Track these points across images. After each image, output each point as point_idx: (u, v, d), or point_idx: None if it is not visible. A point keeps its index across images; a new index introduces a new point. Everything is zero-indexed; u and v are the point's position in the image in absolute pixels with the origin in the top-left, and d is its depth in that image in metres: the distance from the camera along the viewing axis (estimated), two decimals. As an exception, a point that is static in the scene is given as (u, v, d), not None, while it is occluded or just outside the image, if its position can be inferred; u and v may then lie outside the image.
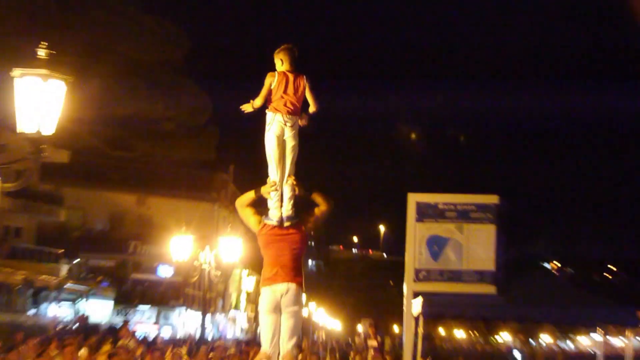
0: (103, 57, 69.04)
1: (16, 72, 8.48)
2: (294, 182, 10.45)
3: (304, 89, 10.51)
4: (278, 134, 10.29)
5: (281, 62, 10.53)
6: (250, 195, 10.46)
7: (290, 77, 10.41)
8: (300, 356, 22.45)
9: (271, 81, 10.32)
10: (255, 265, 75.22)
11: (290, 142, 10.42)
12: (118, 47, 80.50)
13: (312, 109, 10.69)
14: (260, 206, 10.72)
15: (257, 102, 10.24)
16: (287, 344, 10.52)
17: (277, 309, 10.13)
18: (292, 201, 10.51)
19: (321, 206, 10.75)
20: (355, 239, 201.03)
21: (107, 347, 20.28)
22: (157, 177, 76.78)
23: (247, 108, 10.30)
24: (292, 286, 10.55)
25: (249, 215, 10.45)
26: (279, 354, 10.44)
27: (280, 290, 10.21)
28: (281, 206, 10.32)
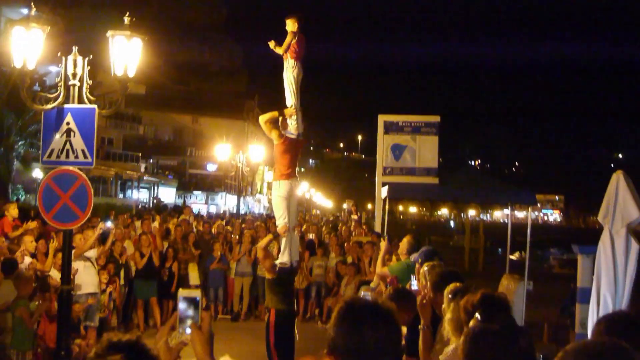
0: (168, 22, 68.69)
1: (109, 33, 8.46)
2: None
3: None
4: (295, 74, 10.32)
5: (292, 23, 10.47)
6: (273, 114, 10.40)
7: (301, 37, 10.37)
8: (304, 225, 22.64)
9: (292, 39, 10.28)
10: (272, 162, 75.48)
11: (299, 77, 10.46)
12: (178, 15, 79.96)
13: None
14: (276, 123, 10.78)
15: (280, 50, 10.19)
16: (294, 221, 10.65)
17: (288, 196, 10.17)
18: (304, 122, 10.57)
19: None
20: (341, 144, 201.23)
21: (174, 220, 20.39)
22: (205, 104, 76.70)
23: (272, 45, 10.29)
24: (299, 181, 10.84)
25: (270, 129, 10.39)
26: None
27: (293, 183, 10.24)
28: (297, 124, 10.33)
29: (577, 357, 2.47)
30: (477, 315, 4.03)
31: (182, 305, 2.67)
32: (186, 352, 2.69)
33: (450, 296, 5.13)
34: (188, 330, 2.64)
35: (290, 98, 10.48)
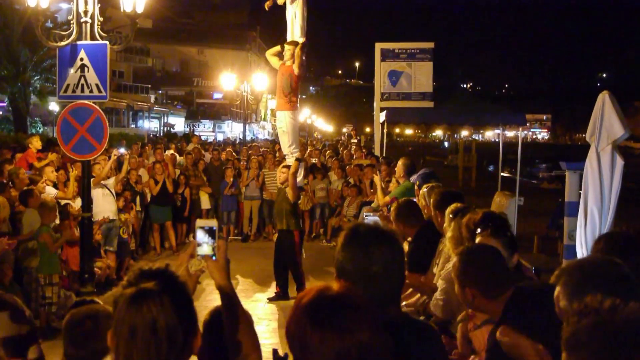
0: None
1: (117, -31, 8.36)
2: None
3: None
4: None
5: None
6: (277, 48, 10.66)
7: None
8: (310, 148, 22.66)
9: None
10: (275, 90, 75.04)
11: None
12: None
13: None
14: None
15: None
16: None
17: None
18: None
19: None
20: (340, 72, 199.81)
21: (188, 147, 20.44)
22: (210, 35, 75.88)
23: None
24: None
25: (274, 60, 10.62)
26: None
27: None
28: None
29: (572, 274, 2.49)
30: (478, 229, 4.06)
31: (199, 234, 2.68)
32: (205, 275, 2.72)
33: (451, 215, 5.15)
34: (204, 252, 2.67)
35: (299, 32, 10.71)
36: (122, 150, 13.21)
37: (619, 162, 7.53)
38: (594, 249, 3.45)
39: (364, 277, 2.56)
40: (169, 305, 2.16)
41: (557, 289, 2.53)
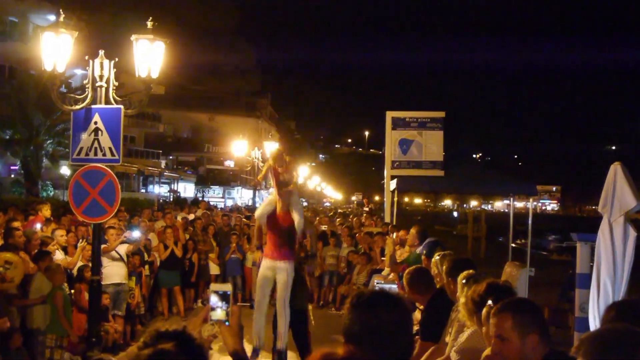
0: (184, 26, 68.89)
1: (133, 37, 8.47)
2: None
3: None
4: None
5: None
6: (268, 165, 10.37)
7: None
8: (318, 218, 22.63)
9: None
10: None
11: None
12: (193, 19, 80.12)
13: None
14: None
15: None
16: None
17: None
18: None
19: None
20: (349, 140, 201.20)
21: (195, 213, 20.44)
22: (221, 102, 76.92)
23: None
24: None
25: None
26: None
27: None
28: None
29: (593, 344, 2.45)
30: (490, 302, 4.02)
31: (213, 299, 2.66)
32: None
33: (463, 282, 5.12)
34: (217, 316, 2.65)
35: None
36: (135, 235, 13.09)
37: (632, 234, 7.50)
38: (605, 318, 3.42)
39: (373, 339, 2.54)
40: None
41: None
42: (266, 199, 10.56)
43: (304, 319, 10.50)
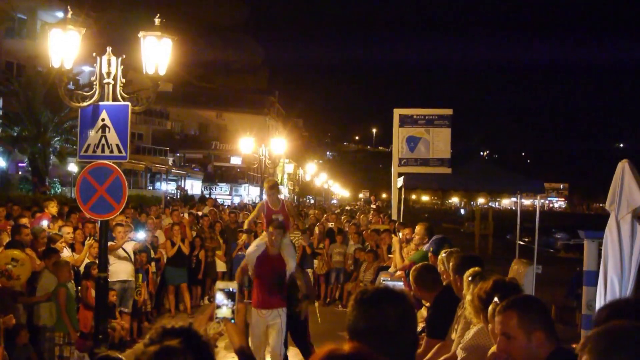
0: (192, 23, 69.00)
1: (141, 34, 8.46)
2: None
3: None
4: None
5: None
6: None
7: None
8: (325, 215, 22.63)
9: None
10: (292, 155, 75.60)
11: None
12: (201, 16, 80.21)
13: None
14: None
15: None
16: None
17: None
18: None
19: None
20: (356, 137, 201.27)
21: (202, 210, 20.46)
22: (229, 100, 77.08)
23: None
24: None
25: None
26: None
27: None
28: None
29: (600, 341, 2.44)
30: (496, 299, 4.01)
31: (219, 297, 2.66)
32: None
33: (470, 279, 5.12)
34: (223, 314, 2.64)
35: None
36: (140, 237, 13.12)
37: (639, 231, 7.48)
38: (598, 317, 3.42)
39: (378, 335, 2.54)
40: None
41: (584, 358, 2.48)
42: (255, 240, 10.23)
43: (303, 321, 10.41)
